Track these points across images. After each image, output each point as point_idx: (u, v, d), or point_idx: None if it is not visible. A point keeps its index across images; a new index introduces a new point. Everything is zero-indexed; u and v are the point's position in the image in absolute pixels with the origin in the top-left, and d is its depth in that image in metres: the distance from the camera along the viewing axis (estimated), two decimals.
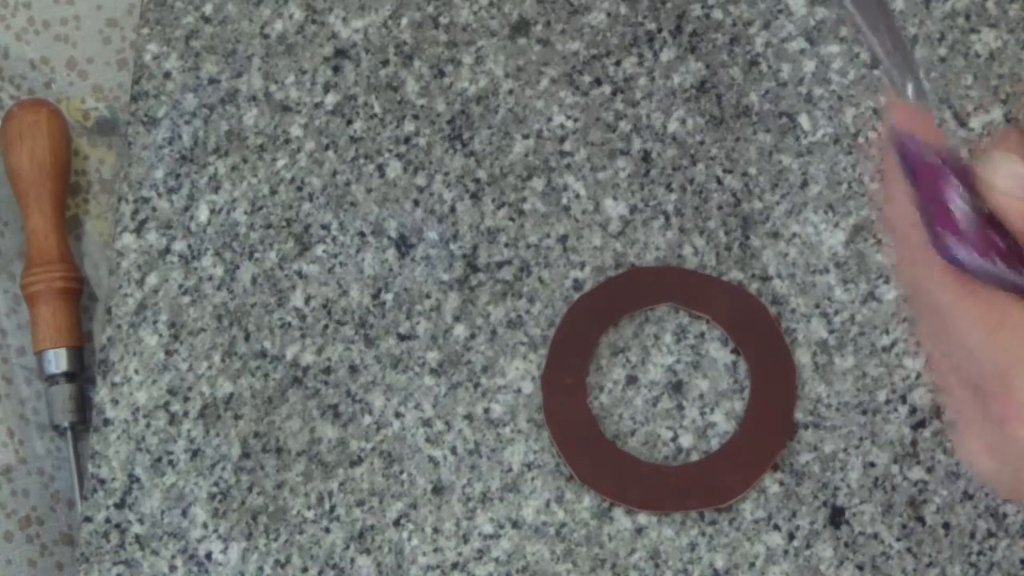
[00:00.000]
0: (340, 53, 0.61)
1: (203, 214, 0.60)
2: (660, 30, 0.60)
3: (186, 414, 0.58)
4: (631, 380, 0.56)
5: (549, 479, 0.55)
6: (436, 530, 0.55)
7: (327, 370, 0.58)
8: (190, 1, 0.63)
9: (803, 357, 0.56)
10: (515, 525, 0.55)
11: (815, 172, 0.58)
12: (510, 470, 0.56)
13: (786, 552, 0.54)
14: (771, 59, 0.59)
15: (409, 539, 0.55)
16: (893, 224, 0.42)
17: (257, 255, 0.59)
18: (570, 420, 0.55)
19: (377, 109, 0.60)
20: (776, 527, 0.54)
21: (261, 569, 0.56)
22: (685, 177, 0.58)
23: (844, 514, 0.54)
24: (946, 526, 0.54)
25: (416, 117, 0.60)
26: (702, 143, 0.58)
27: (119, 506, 0.57)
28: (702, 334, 0.56)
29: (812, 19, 0.59)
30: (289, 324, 0.58)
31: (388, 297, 0.58)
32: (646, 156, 0.59)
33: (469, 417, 0.56)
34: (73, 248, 0.65)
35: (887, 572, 0.54)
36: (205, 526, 0.57)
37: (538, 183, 0.59)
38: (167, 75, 0.62)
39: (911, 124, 0.41)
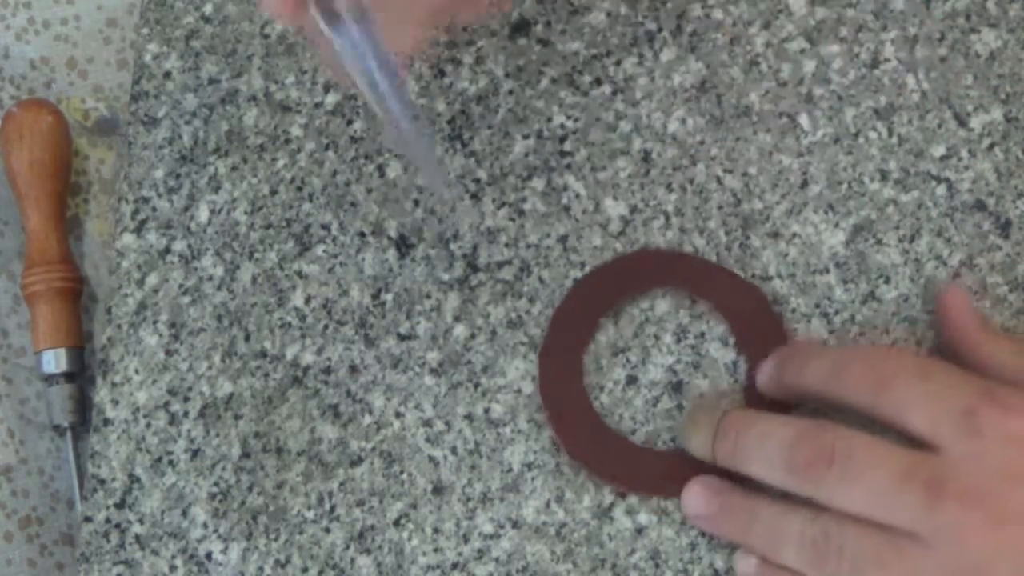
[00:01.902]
0: None
1: (203, 214, 0.60)
2: (660, 30, 0.60)
3: (186, 414, 0.58)
4: (631, 380, 0.56)
5: (549, 479, 0.55)
6: (436, 530, 0.55)
7: (327, 370, 0.58)
8: (190, 1, 0.63)
9: None
10: (515, 525, 0.55)
11: (815, 172, 0.58)
12: (510, 470, 0.56)
13: None
14: (771, 59, 0.59)
15: (409, 539, 0.55)
16: None
17: (257, 255, 0.59)
18: (567, 399, 0.55)
19: None
20: None
21: (261, 569, 0.56)
22: (685, 177, 0.58)
23: None
24: None
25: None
26: (702, 143, 0.58)
27: (119, 506, 0.57)
28: (702, 334, 0.56)
29: (812, 19, 0.59)
30: (289, 324, 0.58)
31: (388, 297, 0.58)
32: (646, 156, 0.59)
33: (469, 417, 0.56)
34: (73, 248, 0.65)
35: None
36: (205, 526, 0.57)
37: (538, 183, 0.59)
38: (167, 75, 0.62)
39: None
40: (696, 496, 0.53)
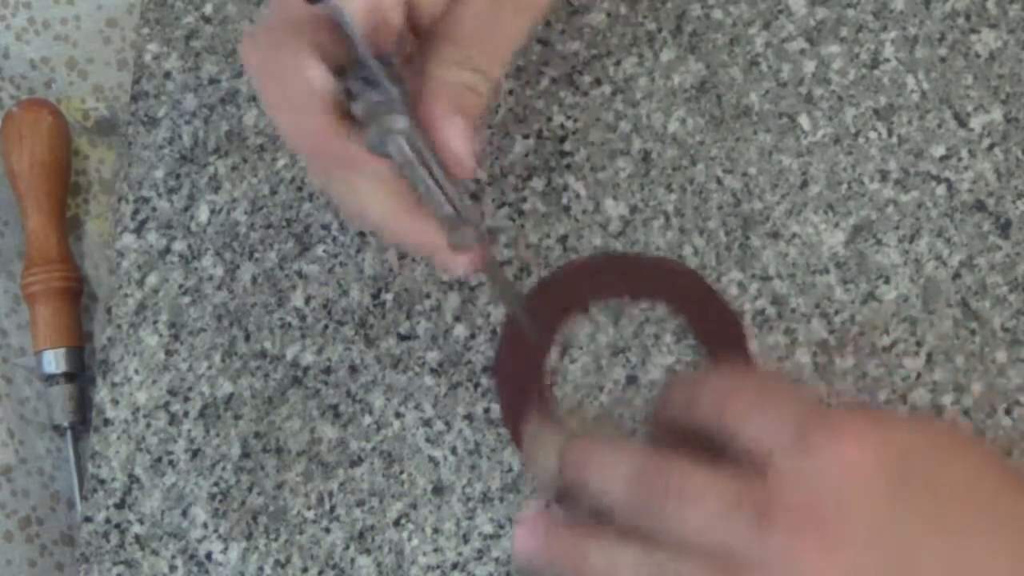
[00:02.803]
0: None
1: (203, 214, 0.60)
2: (660, 30, 0.60)
3: (186, 414, 0.58)
4: (631, 380, 0.56)
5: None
6: (436, 530, 0.55)
7: (327, 370, 0.58)
8: (190, 1, 0.63)
9: (803, 357, 0.56)
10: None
11: (815, 172, 0.58)
12: (510, 470, 0.56)
13: None
14: (771, 59, 0.59)
15: (409, 539, 0.55)
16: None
17: (257, 255, 0.59)
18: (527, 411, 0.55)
19: None
20: None
21: (261, 569, 0.56)
22: (685, 177, 0.58)
23: None
24: None
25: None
26: (702, 143, 0.58)
27: (119, 506, 0.57)
28: None
29: (812, 19, 0.59)
30: (289, 324, 0.58)
31: (388, 297, 0.58)
32: (646, 156, 0.59)
33: (469, 417, 0.56)
34: (73, 248, 0.65)
35: None
36: (205, 526, 0.57)
37: (538, 183, 0.59)
38: (167, 75, 0.62)
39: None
40: (522, 534, 0.50)
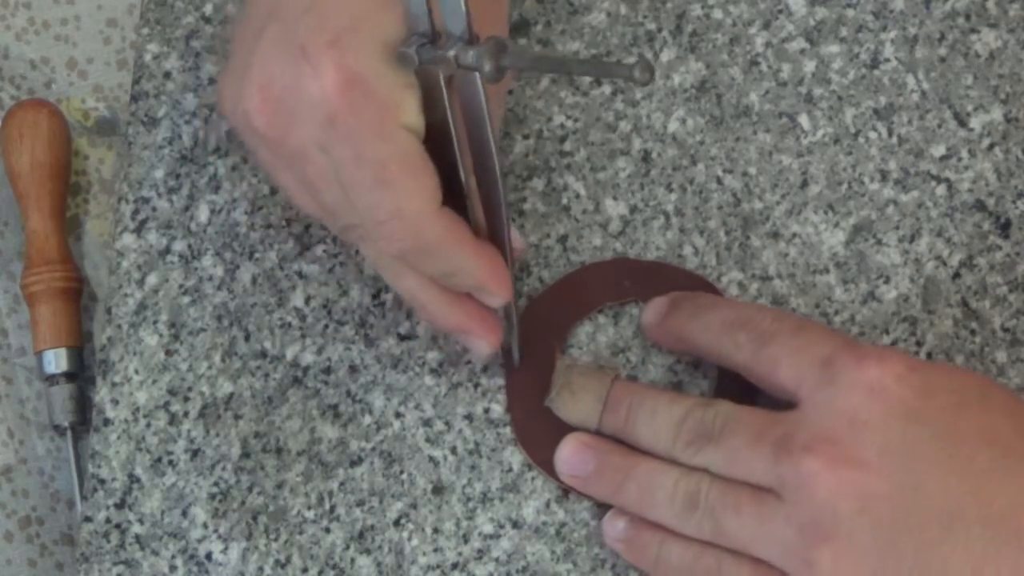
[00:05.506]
0: None
1: (203, 214, 0.60)
2: (660, 30, 0.60)
3: (186, 414, 0.58)
4: (631, 380, 0.56)
5: (549, 479, 0.55)
6: (436, 530, 0.55)
7: (327, 370, 0.58)
8: (190, 1, 0.63)
9: None
10: (515, 525, 0.55)
11: (815, 172, 0.58)
12: (510, 470, 0.56)
13: None
14: (771, 59, 0.59)
15: (409, 539, 0.55)
16: None
17: (257, 255, 0.59)
18: (544, 434, 0.55)
19: None
20: None
21: (261, 569, 0.56)
22: (685, 177, 0.58)
23: None
24: None
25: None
26: (702, 143, 0.58)
27: (119, 506, 0.57)
28: None
29: (812, 19, 0.59)
30: (289, 324, 0.58)
31: (388, 297, 0.58)
32: (646, 156, 0.59)
33: (469, 417, 0.56)
34: (73, 248, 0.65)
35: None
36: (205, 526, 0.57)
37: (538, 183, 0.59)
38: (167, 75, 0.62)
39: None
40: (573, 455, 0.53)
